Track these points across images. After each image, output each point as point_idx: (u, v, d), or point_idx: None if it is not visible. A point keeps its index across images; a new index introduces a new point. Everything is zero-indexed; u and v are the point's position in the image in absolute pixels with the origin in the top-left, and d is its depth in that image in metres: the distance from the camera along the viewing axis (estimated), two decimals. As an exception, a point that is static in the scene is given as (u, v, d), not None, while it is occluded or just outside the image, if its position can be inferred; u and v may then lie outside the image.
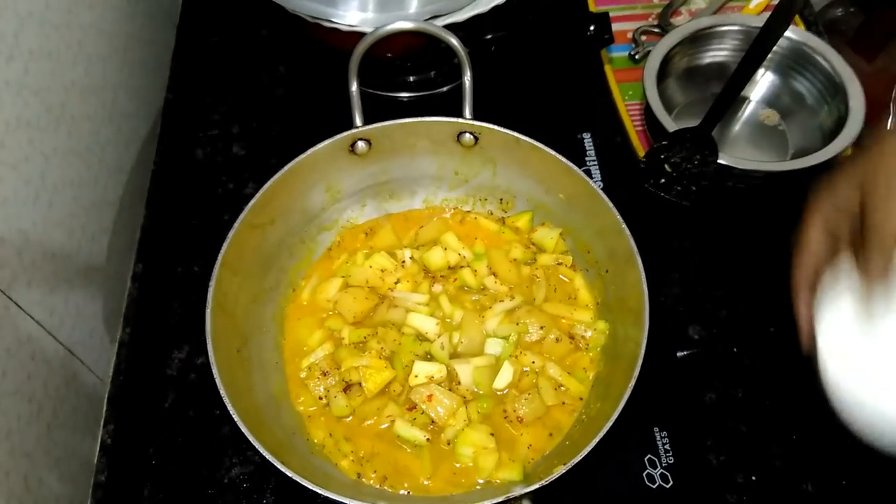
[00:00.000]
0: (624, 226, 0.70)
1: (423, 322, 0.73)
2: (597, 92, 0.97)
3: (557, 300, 0.77)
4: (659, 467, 0.71)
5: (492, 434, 0.68)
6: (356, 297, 0.75)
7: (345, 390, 0.71)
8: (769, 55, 0.85)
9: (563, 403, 0.70)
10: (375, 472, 0.68)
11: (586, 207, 0.75)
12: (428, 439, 0.68)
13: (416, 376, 0.70)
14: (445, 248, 0.78)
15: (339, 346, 0.74)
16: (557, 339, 0.73)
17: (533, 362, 0.72)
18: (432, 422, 0.69)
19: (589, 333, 0.74)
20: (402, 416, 0.69)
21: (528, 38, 0.97)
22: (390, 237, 0.82)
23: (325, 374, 0.72)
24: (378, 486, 0.67)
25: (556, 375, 0.71)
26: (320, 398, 0.71)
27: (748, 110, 0.92)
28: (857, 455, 0.71)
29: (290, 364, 0.74)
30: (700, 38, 0.91)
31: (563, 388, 0.71)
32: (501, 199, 0.83)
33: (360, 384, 0.70)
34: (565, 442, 0.68)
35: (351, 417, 0.71)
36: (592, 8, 1.03)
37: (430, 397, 0.69)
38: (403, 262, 0.79)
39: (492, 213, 0.84)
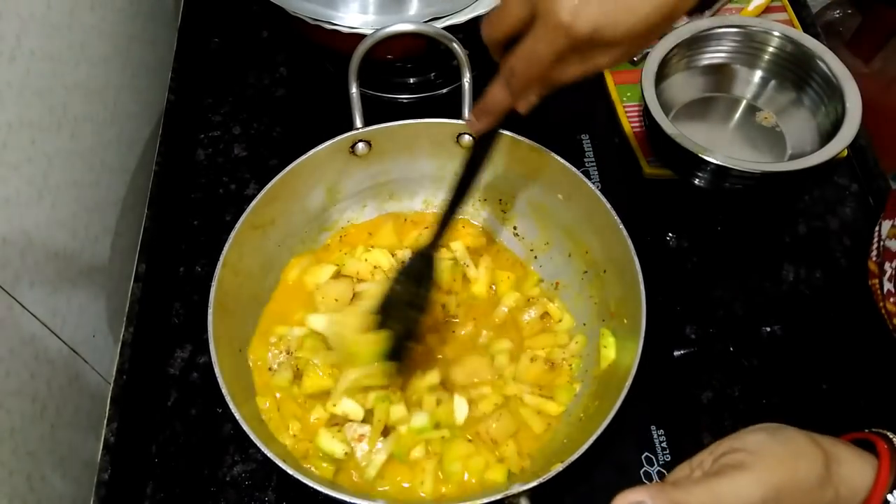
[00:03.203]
0: (622, 226, 0.70)
1: (350, 406, 0.68)
2: (595, 93, 0.97)
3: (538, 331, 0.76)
4: (656, 465, 0.71)
5: (469, 440, 0.68)
6: (337, 287, 0.75)
7: (294, 376, 0.70)
8: (767, 57, 0.85)
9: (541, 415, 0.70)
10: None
11: (585, 208, 0.75)
12: (346, 453, 0.66)
13: (335, 405, 0.68)
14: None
15: (312, 335, 0.73)
16: (532, 360, 0.73)
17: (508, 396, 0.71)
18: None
19: (568, 351, 0.74)
20: (326, 427, 0.68)
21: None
22: (391, 238, 0.82)
23: (289, 352, 0.72)
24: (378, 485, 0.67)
25: (531, 403, 0.71)
26: (269, 368, 0.71)
27: (745, 112, 0.92)
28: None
29: (263, 324, 0.74)
30: (698, 40, 0.91)
31: (540, 413, 0.71)
32: (500, 200, 0.84)
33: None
34: (563, 440, 0.69)
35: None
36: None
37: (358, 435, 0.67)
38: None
39: (491, 228, 0.84)
